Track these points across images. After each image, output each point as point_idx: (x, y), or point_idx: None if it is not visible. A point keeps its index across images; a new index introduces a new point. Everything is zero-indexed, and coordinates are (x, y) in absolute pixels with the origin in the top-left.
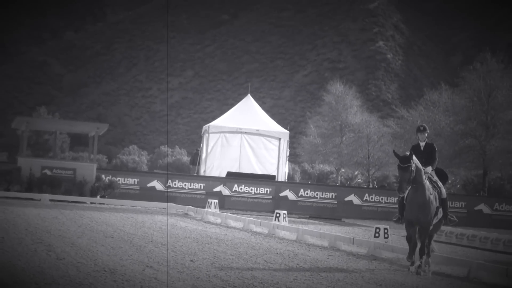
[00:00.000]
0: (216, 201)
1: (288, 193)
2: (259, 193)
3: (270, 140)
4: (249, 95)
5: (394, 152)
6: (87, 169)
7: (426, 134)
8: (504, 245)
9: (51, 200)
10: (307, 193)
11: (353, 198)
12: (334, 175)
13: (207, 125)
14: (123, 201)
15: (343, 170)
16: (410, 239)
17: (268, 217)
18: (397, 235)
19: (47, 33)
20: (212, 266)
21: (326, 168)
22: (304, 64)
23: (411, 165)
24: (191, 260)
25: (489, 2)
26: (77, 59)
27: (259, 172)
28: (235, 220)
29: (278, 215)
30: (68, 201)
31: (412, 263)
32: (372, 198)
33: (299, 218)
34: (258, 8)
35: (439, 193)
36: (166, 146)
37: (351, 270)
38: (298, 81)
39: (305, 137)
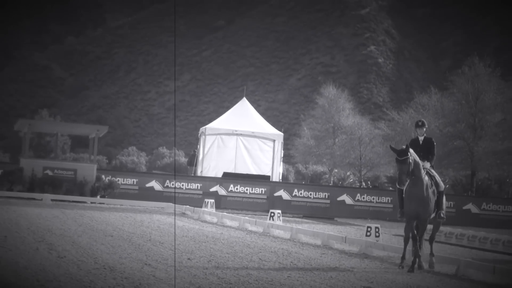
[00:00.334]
0: (213, 200)
1: (283, 193)
2: (254, 193)
3: (265, 142)
4: (244, 98)
5: (391, 147)
6: (87, 169)
7: (424, 129)
8: (491, 243)
9: (52, 200)
10: (300, 193)
11: (346, 198)
12: (327, 176)
13: (204, 127)
14: (122, 201)
15: (335, 170)
16: (407, 239)
17: (263, 216)
18: (388, 234)
19: (49, 38)
20: (209, 264)
21: (319, 168)
22: (298, 68)
23: (409, 158)
24: (188, 258)
25: (476, 9)
26: (78, 63)
27: (254, 172)
28: (230, 219)
29: (272, 214)
30: (69, 201)
31: (402, 265)
32: (363, 198)
33: (293, 217)
34: (253, 14)
35: (437, 187)
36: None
37: (343, 268)
38: (292, 85)
39: (299, 138)
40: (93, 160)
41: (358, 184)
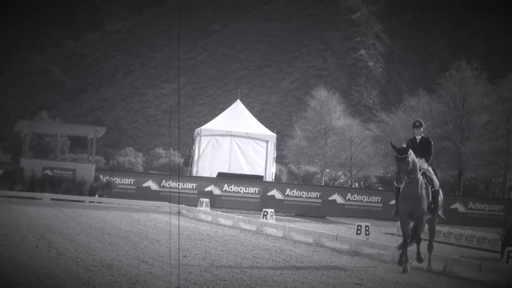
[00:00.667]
0: (208, 200)
1: (275, 193)
2: (248, 193)
3: (258, 143)
4: (238, 100)
5: (391, 144)
6: (86, 169)
7: (421, 129)
8: (478, 241)
9: (52, 199)
10: (293, 193)
11: (337, 197)
12: (319, 176)
13: (199, 128)
14: (120, 200)
15: (327, 170)
16: (405, 243)
17: (256, 215)
18: (378, 232)
19: (49, 41)
20: (204, 261)
21: (311, 169)
22: (290, 71)
23: (408, 156)
24: (184, 256)
25: (464, 14)
26: (77, 66)
27: (248, 172)
28: (225, 218)
29: (265, 213)
30: (68, 200)
31: (404, 268)
32: (354, 197)
33: (285, 216)
34: (247, 18)
35: (432, 186)
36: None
37: (334, 265)
38: (285, 87)
39: (292, 139)
40: (91, 161)
41: (351, 183)
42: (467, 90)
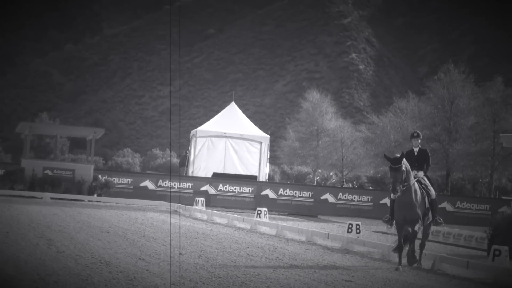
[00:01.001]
0: (203, 199)
1: (269, 192)
2: (242, 192)
3: (252, 144)
4: (233, 103)
5: (385, 155)
6: (85, 169)
7: (419, 140)
8: (465, 240)
9: (52, 198)
10: (286, 192)
11: (328, 197)
12: (311, 176)
13: (195, 130)
14: (118, 199)
15: (319, 171)
16: (400, 247)
17: (250, 214)
18: (368, 231)
19: (49, 45)
20: (199, 259)
21: (304, 169)
22: (283, 74)
23: (402, 166)
24: (180, 253)
25: (452, 20)
26: (76, 69)
27: (242, 172)
28: (220, 217)
29: (259, 212)
30: (67, 199)
31: (397, 268)
32: (345, 197)
33: (278, 215)
34: (242, 23)
35: (428, 195)
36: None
37: (326, 262)
38: (278, 90)
39: (285, 141)
40: (90, 161)
41: (342, 184)
42: (455, 92)
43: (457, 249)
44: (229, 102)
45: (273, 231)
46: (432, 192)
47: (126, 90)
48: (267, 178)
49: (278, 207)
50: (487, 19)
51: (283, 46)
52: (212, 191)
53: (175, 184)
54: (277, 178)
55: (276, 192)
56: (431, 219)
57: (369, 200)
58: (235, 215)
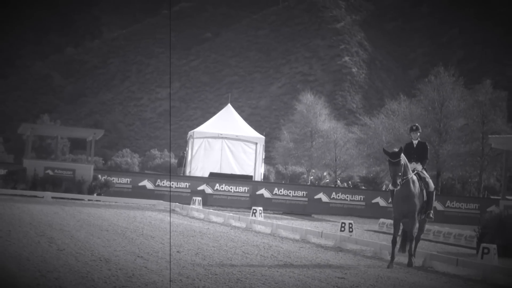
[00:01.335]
0: (200, 198)
1: (264, 192)
2: (238, 192)
3: (248, 145)
4: (229, 105)
5: (384, 150)
6: (85, 169)
7: (418, 134)
8: (455, 238)
9: (53, 198)
10: (281, 192)
11: (322, 196)
12: (305, 176)
13: (192, 131)
14: (117, 199)
15: (313, 171)
16: (394, 241)
17: (246, 213)
18: (361, 229)
19: (50, 48)
20: (196, 256)
21: (298, 169)
22: (278, 77)
23: (401, 160)
24: (177, 251)
25: (442, 23)
26: (77, 72)
27: (238, 172)
28: (216, 216)
29: (254, 211)
30: (68, 198)
31: (391, 265)
32: (338, 196)
33: (273, 214)
34: (238, 27)
35: (427, 188)
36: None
37: (319, 260)
38: (273, 92)
39: (279, 141)
40: (90, 161)
41: (335, 184)
42: (445, 95)
43: (447, 247)
44: (226, 104)
45: (268, 230)
46: (431, 184)
47: (125, 93)
48: (262, 178)
49: (273, 206)
50: (476, 24)
51: (278, 49)
52: (208, 190)
53: (173, 184)
54: (272, 178)
55: (271, 191)
56: (425, 214)
57: (362, 199)
58: (231, 214)
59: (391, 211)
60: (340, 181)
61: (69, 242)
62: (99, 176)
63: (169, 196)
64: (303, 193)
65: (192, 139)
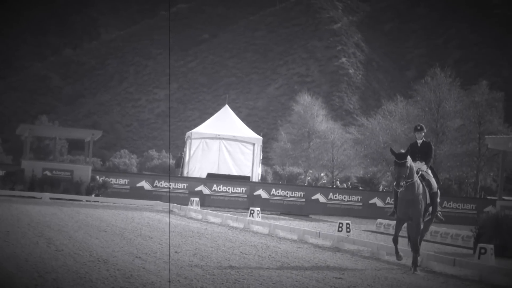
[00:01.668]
0: (198, 199)
1: (261, 192)
2: (235, 192)
3: (245, 145)
4: (226, 105)
5: (391, 150)
6: (83, 170)
7: (423, 133)
8: (452, 238)
9: (51, 198)
10: (278, 192)
11: (319, 197)
12: (302, 176)
13: (190, 132)
14: (115, 199)
15: (310, 171)
16: (396, 240)
17: (243, 213)
18: (358, 230)
19: (48, 50)
20: (194, 257)
21: (295, 170)
22: (275, 78)
23: (407, 161)
24: (176, 252)
25: (438, 25)
26: (75, 73)
27: (235, 173)
28: (214, 216)
29: (252, 211)
30: (66, 199)
31: (400, 257)
32: (336, 197)
33: (271, 214)
34: (235, 28)
35: (430, 189)
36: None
37: (317, 260)
38: (271, 93)
39: (277, 142)
40: (88, 162)
41: (333, 184)
42: (442, 95)
43: (444, 247)
44: (223, 105)
45: (265, 230)
46: (434, 185)
47: (123, 94)
48: (259, 178)
49: (270, 207)
50: (472, 25)
51: (275, 50)
52: (206, 191)
53: (170, 185)
54: (270, 178)
55: (269, 192)
56: (430, 215)
57: (359, 200)
58: (228, 215)
59: (388, 211)
60: (339, 182)
61: (67, 243)
62: (97, 177)
63: (166, 197)
64: (301, 194)
65: (190, 140)
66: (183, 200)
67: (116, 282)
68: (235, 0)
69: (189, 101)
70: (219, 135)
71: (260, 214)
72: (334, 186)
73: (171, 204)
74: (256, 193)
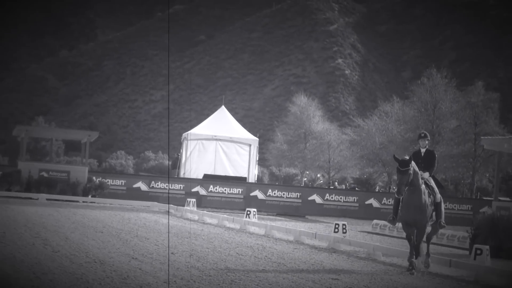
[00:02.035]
0: (194, 200)
1: (258, 193)
2: (232, 193)
3: (241, 146)
4: (223, 106)
5: (394, 157)
6: (79, 171)
7: (427, 141)
8: (448, 239)
9: (47, 199)
10: (274, 193)
11: (316, 198)
12: (299, 177)
13: (186, 133)
14: (111, 200)
15: (307, 172)
16: (410, 238)
17: (240, 214)
18: (354, 231)
19: (45, 51)
20: (190, 258)
21: (292, 170)
22: (272, 79)
23: (410, 169)
24: (172, 253)
25: (434, 26)
26: (71, 74)
27: (232, 174)
28: (210, 217)
29: (248, 212)
30: (62, 200)
31: (411, 265)
32: (332, 198)
33: (267, 215)
34: (231, 29)
35: (434, 197)
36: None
37: (313, 261)
38: (267, 94)
39: (273, 143)
40: (84, 163)
41: (329, 185)
42: (438, 96)
43: (440, 248)
44: (219, 106)
45: (262, 231)
46: (438, 195)
47: (119, 95)
48: (256, 179)
49: (267, 208)
50: (468, 26)
51: (272, 52)
52: (203, 192)
53: (167, 186)
54: (266, 179)
55: (265, 193)
56: (434, 220)
57: (355, 201)
58: (225, 216)
59: (384, 212)
60: (338, 183)
61: (64, 244)
62: (94, 178)
63: (163, 198)
64: (297, 195)
65: (186, 141)
66: (180, 201)
67: (112, 283)
68: (231, 2)
69: (186, 102)
70: (215, 136)
71: (256, 215)
72: (332, 187)
73: (168, 205)
74: (252, 194)
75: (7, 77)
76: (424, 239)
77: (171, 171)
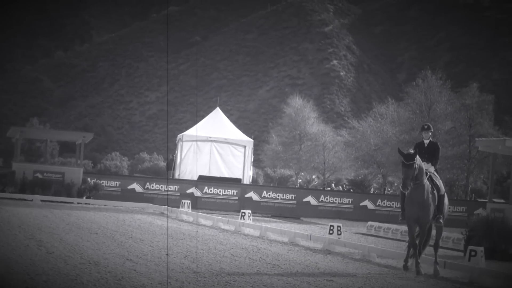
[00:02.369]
0: (189, 201)
1: (253, 195)
2: (226, 195)
3: (236, 148)
4: (218, 108)
5: (399, 150)
6: (74, 173)
7: (430, 133)
8: (442, 241)
9: (42, 201)
10: (269, 195)
11: (311, 199)
12: (294, 179)
13: (181, 134)
14: (106, 202)
15: (301, 174)
16: (413, 243)
17: (234, 216)
18: (349, 232)
19: (39, 52)
20: (185, 259)
21: (287, 172)
22: (267, 81)
23: (415, 162)
24: (167, 254)
25: (429, 27)
26: (66, 75)
27: (226, 175)
28: (205, 219)
29: (243, 214)
30: (57, 202)
31: (406, 267)
32: (327, 199)
33: (262, 217)
34: (226, 31)
35: (438, 191)
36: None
37: (308, 263)
38: (262, 96)
39: (268, 145)
40: (79, 164)
41: (325, 186)
42: (432, 98)
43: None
44: (214, 108)
45: (256, 233)
46: (442, 188)
47: (114, 96)
48: (251, 180)
49: (261, 209)
50: (462, 27)
51: (267, 53)
52: (197, 193)
53: (162, 187)
54: (261, 181)
55: (260, 194)
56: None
57: (350, 202)
58: (220, 217)
59: (379, 214)
60: (334, 185)
61: (58, 245)
62: (88, 179)
63: (158, 199)
64: (292, 196)
65: (181, 142)
66: (175, 202)
67: (107, 284)
68: (226, 3)
69: (181, 104)
70: (210, 137)
71: (251, 217)
72: (329, 189)
73: (162, 207)
74: (247, 195)
75: (2, 79)
76: (432, 243)
77: (166, 172)
